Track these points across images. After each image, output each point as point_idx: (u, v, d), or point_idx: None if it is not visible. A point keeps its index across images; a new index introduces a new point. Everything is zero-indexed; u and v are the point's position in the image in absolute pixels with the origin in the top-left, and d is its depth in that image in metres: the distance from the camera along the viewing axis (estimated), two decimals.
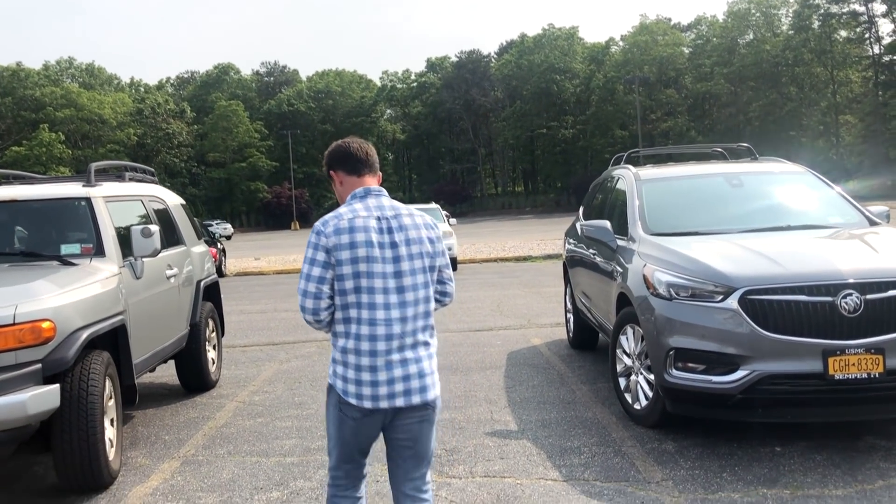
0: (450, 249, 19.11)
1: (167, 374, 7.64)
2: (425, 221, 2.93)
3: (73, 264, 5.10)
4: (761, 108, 74.71)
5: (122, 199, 5.91)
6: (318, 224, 2.84)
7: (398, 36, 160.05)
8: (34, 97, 79.12)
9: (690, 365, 4.84)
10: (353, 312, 2.80)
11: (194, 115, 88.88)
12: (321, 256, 2.80)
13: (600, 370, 7.20)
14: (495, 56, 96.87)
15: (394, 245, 2.82)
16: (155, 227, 5.47)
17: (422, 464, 2.96)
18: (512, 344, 8.87)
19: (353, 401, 2.79)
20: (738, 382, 4.62)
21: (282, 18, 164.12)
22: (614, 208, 6.83)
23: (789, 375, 4.59)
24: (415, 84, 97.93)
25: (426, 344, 2.88)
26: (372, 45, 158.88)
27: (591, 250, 6.86)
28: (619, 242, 6.01)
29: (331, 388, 2.89)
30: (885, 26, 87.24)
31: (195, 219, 7.80)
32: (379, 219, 2.85)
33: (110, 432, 4.79)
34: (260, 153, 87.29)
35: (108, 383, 4.77)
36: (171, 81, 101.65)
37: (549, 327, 10.02)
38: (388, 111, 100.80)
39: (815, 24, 72.34)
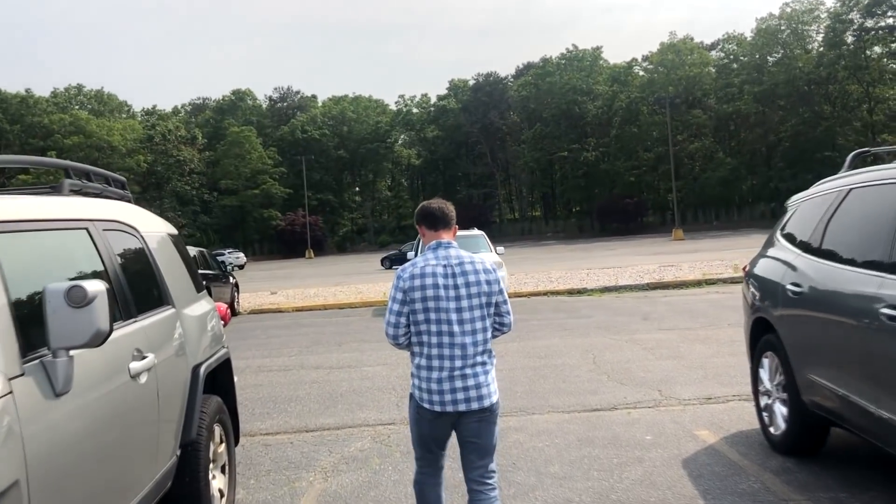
0: None
1: None
2: (484, 267, 3.62)
3: None
4: (793, 128, 71.65)
5: (38, 228, 3.00)
6: (399, 271, 3.61)
7: (413, 60, 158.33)
8: (42, 124, 77.32)
9: None
10: (424, 338, 3.54)
11: (206, 141, 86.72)
12: (399, 296, 3.56)
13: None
14: (512, 78, 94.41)
15: (456, 287, 3.53)
16: (98, 286, 2.58)
17: (485, 456, 3.63)
18: (671, 441, 5.88)
19: (426, 405, 3.54)
20: None
21: (296, 45, 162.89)
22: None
23: None
24: (432, 108, 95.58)
25: (483, 363, 3.56)
26: (386, 69, 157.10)
27: (883, 307, 3.87)
28: None
29: (411, 396, 3.64)
30: None
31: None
32: (445, 266, 3.57)
33: None
34: (273, 180, 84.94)
35: None
36: (185, 107, 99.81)
37: (699, 404, 7.04)
38: (403, 136, 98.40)
39: (849, 40, 69.50)
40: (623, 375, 8.63)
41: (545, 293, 20.23)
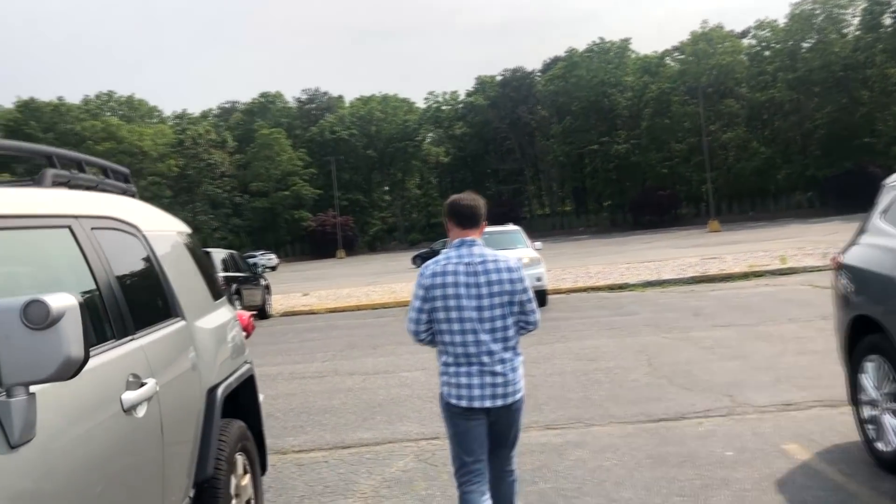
0: (539, 280, 15.37)
1: None
2: (507, 265, 3.59)
3: None
4: (829, 115, 69.67)
5: (1, 227, 2.36)
6: (422, 268, 3.64)
7: (438, 59, 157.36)
8: (75, 132, 77.94)
9: None
10: (447, 337, 3.56)
11: (236, 144, 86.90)
12: (420, 293, 3.60)
13: None
14: (539, 73, 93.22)
15: (477, 285, 3.52)
16: (65, 300, 1.94)
17: (507, 446, 3.73)
18: (757, 457, 5.14)
19: (453, 401, 3.56)
20: None
21: (321, 46, 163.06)
22: None
23: None
24: (461, 105, 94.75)
25: (510, 360, 3.57)
26: (412, 69, 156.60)
27: None
28: None
29: (441, 395, 3.65)
30: None
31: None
32: (467, 264, 3.56)
33: None
34: (303, 181, 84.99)
35: None
36: (214, 111, 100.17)
37: (777, 412, 6.28)
38: (432, 134, 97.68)
39: (887, 22, 67.43)
40: (685, 379, 7.88)
41: (585, 289, 19.50)
